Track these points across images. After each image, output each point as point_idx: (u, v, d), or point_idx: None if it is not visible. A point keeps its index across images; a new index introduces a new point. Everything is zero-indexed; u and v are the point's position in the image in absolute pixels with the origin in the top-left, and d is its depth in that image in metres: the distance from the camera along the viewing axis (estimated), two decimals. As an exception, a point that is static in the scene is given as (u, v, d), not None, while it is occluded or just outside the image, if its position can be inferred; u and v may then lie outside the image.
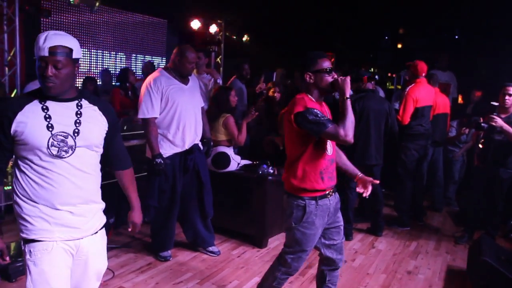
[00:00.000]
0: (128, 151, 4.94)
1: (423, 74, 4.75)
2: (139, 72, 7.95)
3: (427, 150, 4.96)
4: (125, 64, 8.26)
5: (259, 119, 5.04)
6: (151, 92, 3.47)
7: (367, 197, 2.52)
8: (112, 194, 4.43)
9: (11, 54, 5.70)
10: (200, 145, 3.78)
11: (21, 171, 1.81)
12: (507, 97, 4.04)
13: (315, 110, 2.33)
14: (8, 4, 5.60)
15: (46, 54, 1.74)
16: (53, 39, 1.75)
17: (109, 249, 3.78)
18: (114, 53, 8.11)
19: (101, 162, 2.00)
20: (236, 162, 4.23)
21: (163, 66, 3.73)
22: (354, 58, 9.17)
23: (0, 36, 5.56)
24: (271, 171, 4.15)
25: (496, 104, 4.18)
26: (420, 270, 3.81)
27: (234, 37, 8.90)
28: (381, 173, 4.55)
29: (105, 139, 1.96)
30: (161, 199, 3.61)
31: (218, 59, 8.81)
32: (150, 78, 3.55)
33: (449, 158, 5.71)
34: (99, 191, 1.99)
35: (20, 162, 1.82)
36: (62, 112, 1.82)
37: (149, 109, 3.47)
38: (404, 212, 4.91)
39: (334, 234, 2.62)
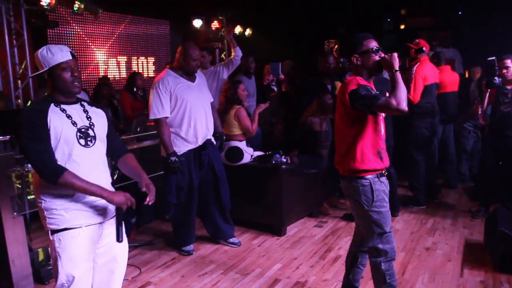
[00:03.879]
0: (142, 152, 5.07)
1: (426, 53, 4.79)
2: (145, 74, 8.07)
3: (436, 127, 4.98)
4: (132, 67, 8.38)
5: (273, 111, 5.12)
6: (160, 92, 3.56)
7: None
8: (133, 196, 4.59)
9: (22, 67, 5.84)
10: (213, 139, 3.86)
11: None
12: (504, 71, 4.11)
13: (367, 86, 2.37)
14: (15, 19, 5.74)
15: (70, 57, 2.00)
16: (64, 46, 2.03)
17: (133, 247, 3.94)
18: (120, 57, 8.24)
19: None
20: (249, 154, 4.31)
21: (169, 66, 3.82)
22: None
23: (11, 50, 5.70)
24: (284, 160, 4.23)
25: (493, 58, 4.19)
26: (438, 246, 3.87)
27: (237, 32, 8.95)
28: (393, 154, 4.59)
29: (107, 132, 2.21)
30: (180, 196, 3.71)
31: (223, 55, 8.89)
32: (157, 79, 3.64)
33: (462, 134, 5.72)
34: (110, 180, 2.21)
35: None
36: (75, 112, 2.07)
37: (159, 109, 3.56)
38: (419, 191, 4.95)
39: None
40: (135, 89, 5.75)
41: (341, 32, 9.15)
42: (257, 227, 4.35)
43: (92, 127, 2.09)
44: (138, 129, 4.81)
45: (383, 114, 2.53)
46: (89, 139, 2.05)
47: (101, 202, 2.08)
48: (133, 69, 8.31)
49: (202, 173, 3.79)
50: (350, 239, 4.03)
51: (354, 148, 2.43)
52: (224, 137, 4.07)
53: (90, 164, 2.05)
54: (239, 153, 4.25)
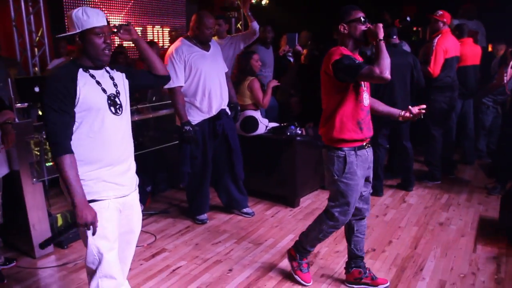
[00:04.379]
0: (157, 121, 5.07)
1: (448, 24, 4.64)
2: (161, 43, 8.01)
3: (455, 102, 4.87)
4: (148, 37, 8.32)
5: (292, 82, 5.07)
6: (174, 62, 3.54)
7: (421, 115, 2.60)
8: (148, 164, 4.64)
9: (39, 34, 5.84)
10: (227, 110, 3.85)
11: (80, 138, 1.93)
12: None
13: (350, 56, 2.41)
14: (31, -14, 5.70)
15: (105, 23, 1.93)
16: (99, 11, 1.94)
17: (148, 215, 4.03)
18: (136, 27, 8.16)
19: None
20: (264, 125, 4.30)
21: (184, 35, 3.78)
22: (378, 14, 8.90)
23: (27, 18, 5.70)
24: (299, 131, 4.21)
25: None
26: (452, 221, 3.86)
27: (253, 1, 8.78)
28: (409, 128, 4.54)
29: (132, 82, 2.19)
30: (194, 165, 3.74)
31: (239, 25, 8.75)
32: (172, 48, 3.62)
33: (481, 110, 5.60)
34: (133, 150, 2.20)
35: (79, 129, 1.93)
36: (102, 79, 2.02)
37: (173, 78, 3.53)
38: (435, 166, 4.90)
39: (365, 185, 2.71)
40: None
41: (361, 2, 8.90)
42: (271, 198, 4.39)
43: (118, 95, 2.05)
44: (154, 98, 4.81)
45: (367, 85, 2.59)
46: (117, 106, 2.02)
47: (128, 174, 2.09)
48: (148, 38, 8.26)
49: (216, 143, 3.80)
50: (363, 212, 4.07)
51: (334, 117, 2.52)
52: (239, 108, 4.06)
53: (119, 133, 2.03)
54: (254, 123, 4.24)
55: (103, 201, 1.99)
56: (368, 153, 2.63)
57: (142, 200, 4.17)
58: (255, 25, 4.73)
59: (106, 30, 1.94)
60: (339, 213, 2.62)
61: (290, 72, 5.46)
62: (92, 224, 1.89)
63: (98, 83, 1.97)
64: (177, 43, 3.65)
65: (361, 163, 2.58)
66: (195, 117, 3.67)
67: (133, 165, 2.17)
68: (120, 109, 2.04)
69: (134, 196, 2.19)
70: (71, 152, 1.87)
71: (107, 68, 2.09)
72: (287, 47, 5.65)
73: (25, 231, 3.27)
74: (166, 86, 3.59)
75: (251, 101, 4.21)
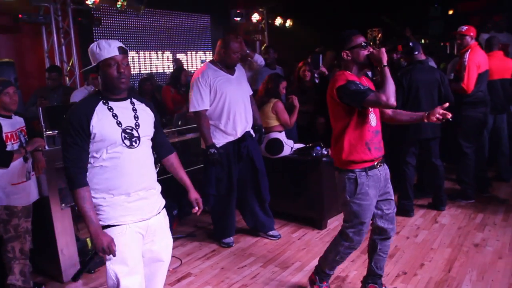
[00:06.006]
0: (183, 145, 5.14)
1: (475, 38, 4.53)
2: (189, 68, 8.18)
3: (487, 117, 4.71)
4: (173, 63, 8.51)
5: (307, 102, 5.04)
6: (200, 85, 3.60)
7: (450, 119, 2.52)
8: (173, 188, 4.66)
9: (70, 64, 6.08)
10: (252, 132, 3.86)
11: (95, 167, 2.02)
12: None
13: (356, 82, 2.44)
14: (63, 18, 5.96)
15: (117, 53, 1.98)
16: (114, 42, 2.01)
17: (174, 239, 3.98)
18: (160, 52, 8.38)
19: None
20: (289, 146, 4.27)
21: (210, 60, 3.84)
22: (402, 31, 8.84)
23: (59, 49, 5.94)
24: (325, 152, 4.15)
25: None
26: (488, 242, 3.67)
27: (277, 23, 8.88)
28: (440, 146, 4.40)
29: (154, 130, 2.21)
30: (219, 188, 3.74)
31: (263, 48, 8.85)
32: (198, 72, 3.67)
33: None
34: (156, 177, 2.24)
35: (94, 160, 2.02)
36: (123, 110, 2.06)
37: (199, 102, 3.59)
38: (468, 185, 4.71)
39: (385, 204, 2.70)
40: (178, 85, 5.84)
41: (385, 20, 8.87)
42: (297, 220, 4.31)
43: (137, 127, 2.06)
44: (179, 123, 4.88)
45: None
46: (133, 139, 2.04)
47: (147, 200, 2.10)
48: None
49: (241, 165, 3.80)
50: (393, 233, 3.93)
51: (342, 139, 2.55)
52: (263, 130, 4.06)
53: (135, 164, 2.05)
54: (279, 145, 4.22)
55: (120, 226, 2.02)
56: (380, 172, 2.62)
57: (169, 224, 4.19)
58: (258, 57, 4.87)
59: (118, 59, 1.99)
60: (353, 233, 2.63)
61: (306, 93, 5.38)
62: (108, 249, 1.94)
63: (115, 116, 2.02)
64: (203, 67, 3.71)
65: (373, 183, 2.58)
66: (220, 140, 3.69)
67: (154, 192, 2.18)
68: (137, 141, 2.05)
69: (158, 220, 2.18)
70: (85, 184, 1.97)
71: (134, 100, 2.13)
72: (308, 74, 5.44)
73: (53, 256, 3.32)
74: (192, 110, 3.65)
75: (276, 122, 4.21)
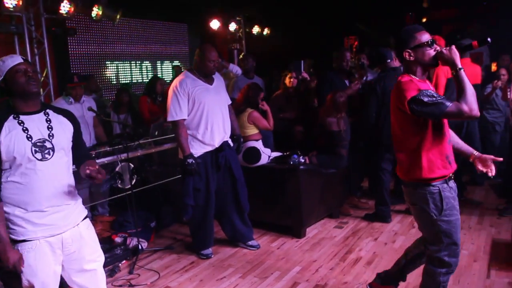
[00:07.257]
0: (160, 155, 5.06)
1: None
2: (165, 77, 8.12)
3: (459, 122, 4.81)
4: (152, 72, 8.45)
5: (279, 108, 5.12)
6: (178, 95, 3.57)
7: (492, 176, 2.29)
8: (152, 200, 4.60)
9: (44, 75, 5.96)
10: (230, 142, 3.84)
11: (8, 182, 2.00)
12: None
13: (429, 91, 2.13)
14: (36, 28, 5.85)
15: (22, 60, 2.00)
16: (14, 55, 2.07)
17: (152, 251, 3.96)
18: (139, 62, 8.32)
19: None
20: (266, 155, 4.27)
21: (188, 69, 3.83)
22: (379, 39, 8.98)
23: (32, 59, 5.82)
24: (302, 160, 4.17)
25: None
26: (464, 246, 3.73)
27: (255, 32, 8.91)
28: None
29: (73, 141, 2.17)
30: (197, 198, 3.70)
31: (241, 56, 8.87)
32: (176, 82, 3.65)
33: (487, 130, 5.53)
34: (75, 189, 2.19)
35: (7, 175, 2.01)
36: (35, 123, 2.04)
37: (177, 111, 3.57)
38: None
39: None
40: (154, 95, 5.79)
41: (360, 27, 9.00)
42: (276, 229, 4.30)
43: (51, 138, 2.04)
44: (156, 133, 4.84)
45: None
46: (46, 151, 2.01)
47: (62, 215, 2.08)
48: (158, 73, 8.44)
49: (220, 175, 3.78)
50: (371, 240, 3.98)
51: (419, 157, 2.22)
52: (242, 139, 4.05)
53: (48, 178, 2.02)
54: (256, 154, 4.22)
55: (30, 242, 2.03)
56: (454, 184, 2.36)
57: (146, 236, 4.13)
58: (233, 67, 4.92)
59: (24, 66, 1.98)
60: (448, 256, 2.31)
61: (274, 100, 5.43)
62: (14, 267, 1.97)
63: (25, 130, 1.99)
64: (181, 76, 3.69)
65: (454, 195, 2.31)
66: (198, 150, 3.66)
67: (71, 205, 2.13)
68: (51, 152, 2.02)
69: (77, 232, 2.15)
70: None
71: (49, 111, 2.10)
72: (295, 81, 5.50)
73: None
74: (170, 119, 3.62)
75: (253, 131, 4.22)
